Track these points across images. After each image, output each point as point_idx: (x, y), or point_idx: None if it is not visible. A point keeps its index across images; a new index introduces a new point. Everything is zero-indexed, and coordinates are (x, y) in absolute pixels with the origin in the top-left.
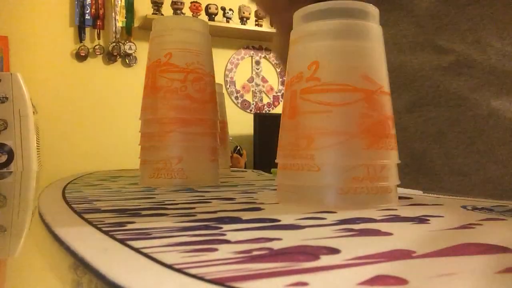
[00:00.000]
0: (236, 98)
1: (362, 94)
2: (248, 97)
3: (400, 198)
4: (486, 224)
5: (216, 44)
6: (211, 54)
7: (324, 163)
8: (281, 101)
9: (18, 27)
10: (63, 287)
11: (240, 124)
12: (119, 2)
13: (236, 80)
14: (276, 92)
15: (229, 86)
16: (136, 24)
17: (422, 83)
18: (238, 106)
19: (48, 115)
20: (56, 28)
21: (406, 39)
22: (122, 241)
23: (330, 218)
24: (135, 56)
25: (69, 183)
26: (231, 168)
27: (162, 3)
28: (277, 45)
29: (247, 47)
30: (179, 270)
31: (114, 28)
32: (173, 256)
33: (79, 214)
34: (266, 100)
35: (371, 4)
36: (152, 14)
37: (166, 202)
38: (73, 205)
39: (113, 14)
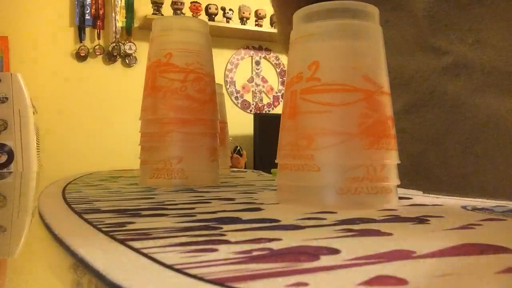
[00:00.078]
0: (236, 98)
1: (362, 94)
2: (248, 97)
3: (400, 198)
4: (486, 224)
5: (216, 44)
6: (211, 54)
7: (324, 163)
8: (281, 101)
9: (18, 27)
10: (63, 287)
11: (240, 124)
12: (119, 2)
13: (236, 80)
14: (276, 92)
15: (229, 86)
16: (136, 24)
17: (419, 85)
18: (238, 106)
19: (48, 115)
20: (56, 28)
21: (405, 40)
22: (122, 241)
23: (330, 218)
24: (135, 56)
25: (69, 183)
26: (231, 168)
27: (162, 3)
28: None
29: (247, 47)
30: (179, 270)
31: (114, 28)
32: (173, 256)
33: (79, 214)
34: (266, 100)
35: (371, 4)
36: (152, 14)
37: (166, 202)
38: (73, 205)
39: (113, 14)
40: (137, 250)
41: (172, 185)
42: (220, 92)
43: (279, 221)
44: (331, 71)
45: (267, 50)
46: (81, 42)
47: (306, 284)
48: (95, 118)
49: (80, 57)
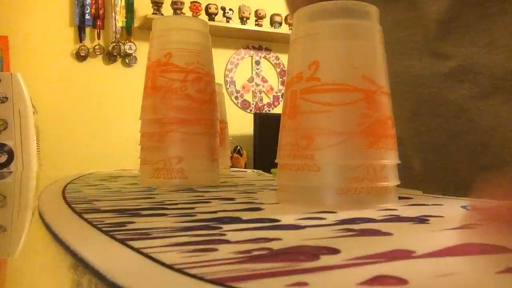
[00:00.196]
0: (236, 98)
1: (362, 94)
2: (248, 97)
3: (400, 198)
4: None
5: (216, 44)
6: (211, 54)
7: (324, 163)
8: (281, 101)
9: (18, 27)
10: (63, 287)
11: (240, 124)
12: (119, 2)
13: (236, 80)
14: (276, 92)
15: (229, 86)
16: (136, 24)
17: (421, 91)
18: (238, 106)
19: (48, 115)
20: (56, 28)
21: (413, 43)
22: (122, 241)
23: (330, 218)
24: (135, 56)
25: (69, 183)
26: (231, 168)
27: (162, 3)
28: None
29: (247, 47)
30: (179, 270)
31: (114, 28)
32: (173, 256)
33: (79, 214)
34: (266, 100)
35: (371, 4)
36: (152, 14)
37: (166, 202)
38: (73, 205)
39: (113, 14)
40: (137, 250)
41: (172, 185)
42: (220, 92)
43: (279, 221)
44: (331, 71)
45: (267, 50)
46: (81, 42)
47: (306, 284)
48: (95, 118)
49: (80, 57)
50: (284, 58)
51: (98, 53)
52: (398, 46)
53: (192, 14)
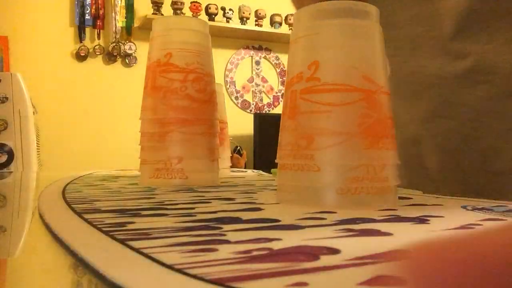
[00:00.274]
0: (236, 98)
1: (362, 94)
2: (248, 97)
3: (400, 198)
4: (486, 224)
5: (216, 44)
6: (211, 54)
7: (324, 163)
8: (281, 101)
9: (18, 27)
10: (63, 287)
11: (240, 124)
12: (119, 2)
13: (236, 80)
14: (276, 92)
15: (229, 86)
16: (136, 24)
17: (437, 91)
18: (238, 106)
19: (48, 115)
20: (56, 28)
21: (429, 39)
22: (122, 241)
23: (330, 218)
24: (135, 56)
25: (69, 183)
26: (231, 168)
27: (162, 3)
28: None
29: (247, 47)
30: (179, 270)
31: (114, 28)
32: (173, 256)
33: (79, 214)
34: (266, 100)
35: (371, 4)
36: (152, 14)
37: (166, 202)
38: (73, 205)
39: (113, 14)
40: (137, 250)
41: (172, 185)
42: (220, 92)
43: (279, 221)
44: (331, 71)
45: (267, 50)
46: (81, 42)
47: (306, 284)
48: (95, 118)
49: (80, 57)
50: (284, 58)
51: (98, 53)
52: (413, 45)
53: (192, 14)
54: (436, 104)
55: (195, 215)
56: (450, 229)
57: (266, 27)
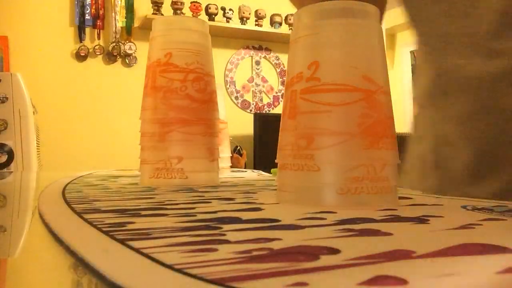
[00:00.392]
0: (236, 98)
1: (362, 94)
2: (248, 97)
3: (400, 198)
4: (486, 224)
5: (216, 44)
6: (211, 54)
7: (324, 163)
8: (281, 101)
9: (18, 27)
10: (63, 287)
11: (240, 124)
12: (119, 2)
13: (236, 80)
14: (276, 92)
15: (229, 86)
16: (136, 24)
17: (474, 92)
18: (238, 106)
19: (48, 115)
20: (56, 28)
21: (464, 36)
22: (122, 241)
23: (330, 218)
24: (135, 56)
25: (69, 183)
26: (231, 168)
27: (162, 3)
28: None
29: (247, 47)
30: (179, 270)
31: (114, 28)
32: (173, 256)
33: (79, 214)
34: (266, 100)
35: (371, 4)
36: (152, 14)
37: (166, 202)
38: (73, 205)
39: (113, 14)
40: (137, 250)
41: (172, 185)
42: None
43: (279, 221)
44: (331, 71)
45: (267, 50)
46: (81, 42)
47: (306, 284)
48: (95, 118)
49: (80, 57)
50: (284, 58)
51: (98, 53)
52: (447, 44)
53: (192, 14)
54: (474, 106)
55: (195, 215)
56: (450, 229)
57: (266, 27)
